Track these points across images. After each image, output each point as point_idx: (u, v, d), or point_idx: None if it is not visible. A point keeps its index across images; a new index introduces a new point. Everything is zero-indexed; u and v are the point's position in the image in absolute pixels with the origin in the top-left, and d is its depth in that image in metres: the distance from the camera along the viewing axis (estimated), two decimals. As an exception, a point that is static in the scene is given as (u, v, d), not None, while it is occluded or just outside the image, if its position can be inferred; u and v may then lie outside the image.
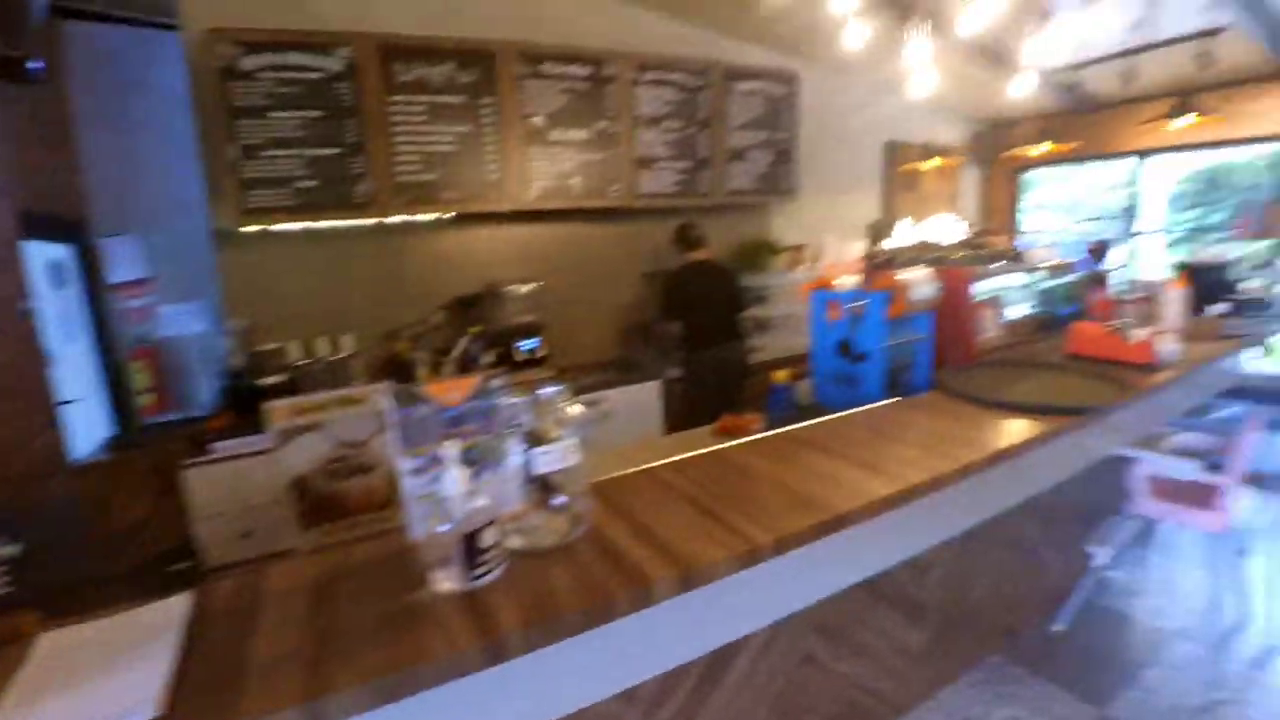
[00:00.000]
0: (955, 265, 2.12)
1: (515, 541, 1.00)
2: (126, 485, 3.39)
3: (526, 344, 3.48)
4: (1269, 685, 2.13)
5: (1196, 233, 5.05)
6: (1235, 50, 3.81)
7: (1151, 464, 2.19)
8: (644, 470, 1.30)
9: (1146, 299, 2.92)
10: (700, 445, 1.49)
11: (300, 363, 3.07)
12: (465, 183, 3.15)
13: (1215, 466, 2.27)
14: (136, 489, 3.36)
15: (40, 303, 3.30)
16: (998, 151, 5.81)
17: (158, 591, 0.93)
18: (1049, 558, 2.50)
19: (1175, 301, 2.53)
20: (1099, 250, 3.34)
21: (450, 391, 0.99)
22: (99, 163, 4.43)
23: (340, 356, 3.15)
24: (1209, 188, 5.46)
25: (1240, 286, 3.01)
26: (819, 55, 4.31)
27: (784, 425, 1.71)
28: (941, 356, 2.05)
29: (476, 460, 0.99)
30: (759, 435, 1.58)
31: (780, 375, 1.80)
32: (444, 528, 0.92)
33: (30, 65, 2.40)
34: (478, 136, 3.16)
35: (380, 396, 1.12)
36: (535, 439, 0.95)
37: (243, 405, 2.88)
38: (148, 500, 3.33)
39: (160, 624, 0.86)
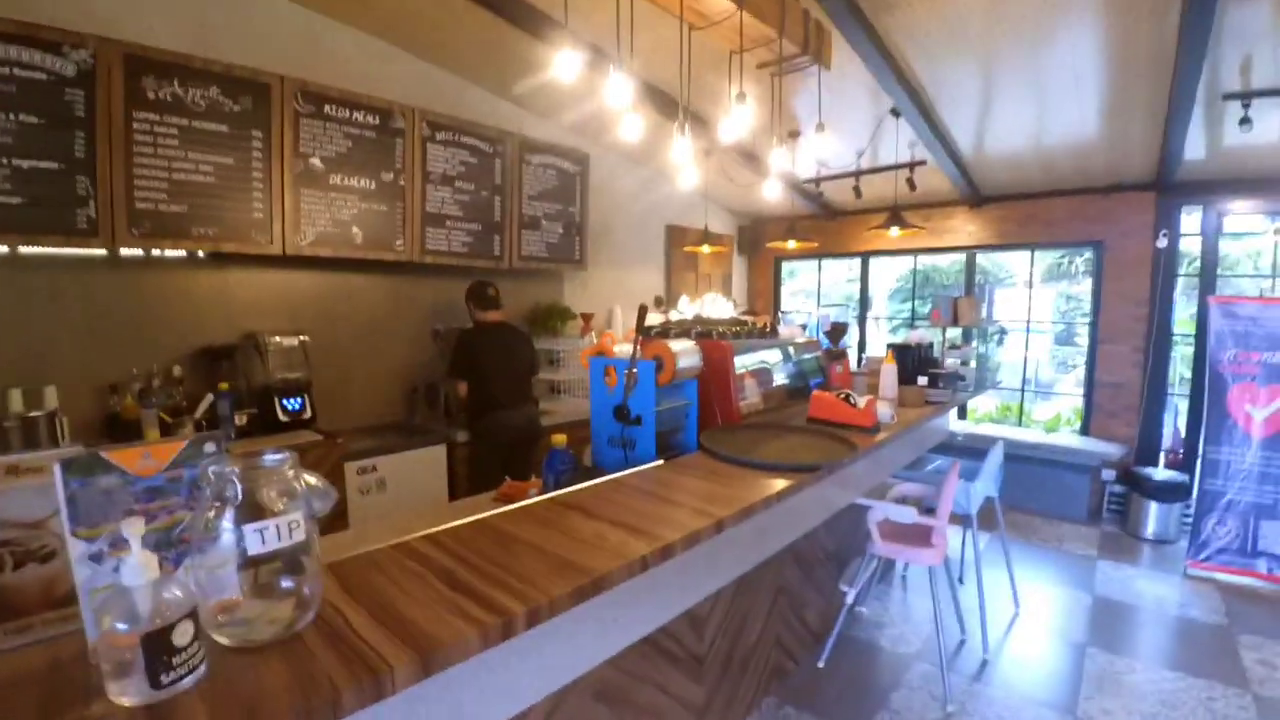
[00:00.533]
0: (719, 339, 2.35)
1: (223, 637, 0.85)
2: None
3: (291, 402, 3.11)
4: (987, 695, 2.54)
5: (909, 320, 6.21)
6: (932, 179, 4.86)
7: (881, 510, 2.56)
8: (395, 545, 1.20)
9: (869, 373, 3.49)
10: (479, 512, 1.43)
11: (-13, 419, 2.42)
12: (224, 219, 2.81)
13: (929, 510, 2.75)
14: None
15: None
16: (759, 243, 6.68)
17: None
18: (810, 598, 2.78)
19: (889, 374, 3.06)
20: (836, 331, 3.93)
21: (143, 458, 0.83)
22: None
23: (39, 414, 2.53)
24: (920, 284, 6.82)
25: (943, 363, 3.74)
26: (608, 140, 4.66)
27: (562, 488, 1.71)
28: (708, 420, 2.24)
29: (175, 542, 0.83)
30: (529, 501, 1.56)
31: (559, 439, 1.81)
32: (123, 626, 0.75)
33: None
34: (243, 171, 2.85)
35: (56, 463, 0.91)
36: (254, 513, 0.83)
37: None
38: None
39: None
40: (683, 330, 2.45)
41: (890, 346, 3.35)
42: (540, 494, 1.88)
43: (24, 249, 2.49)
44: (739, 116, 2.48)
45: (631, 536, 1.29)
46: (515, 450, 3.38)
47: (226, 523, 0.82)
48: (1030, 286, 5.58)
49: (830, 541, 2.92)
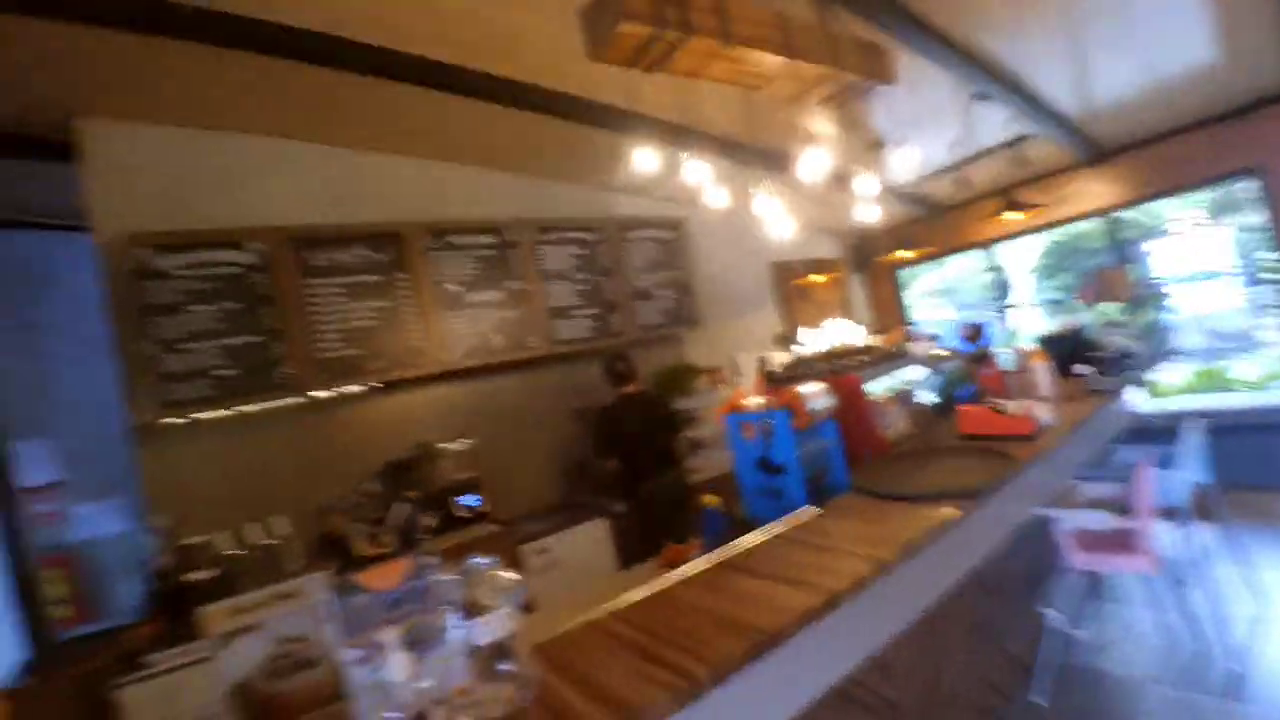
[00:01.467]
0: (844, 372, 2.36)
1: (466, 717, 1.01)
2: (51, 712, 3.01)
3: (467, 500, 3.46)
4: (1249, 715, 2.21)
5: (1060, 300, 5.69)
6: (1042, 149, 4.56)
7: (1069, 520, 2.34)
8: (586, 623, 1.34)
9: (1019, 373, 3.27)
10: (649, 579, 1.54)
11: (231, 553, 2.93)
12: (388, 352, 3.26)
13: (1125, 511, 2.46)
14: (63, 715, 2.99)
15: None
16: (870, 258, 6.50)
17: None
18: (1011, 628, 2.57)
19: (1040, 372, 2.86)
20: (973, 332, 3.74)
21: (384, 577, 1.03)
22: (7, 369, 4.32)
23: (273, 541, 3.03)
24: (1063, 257, 6.25)
25: (1105, 344, 3.41)
26: (699, 202, 4.86)
27: (720, 545, 1.79)
28: (855, 455, 2.22)
29: (417, 641, 1.01)
30: (695, 565, 1.65)
31: (710, 500, 1.90)
32: (392, 716, 0.93)
33: None
34: (396, 309, 3.31)
35: (317, 588, 1.14)
36: (472, 611, 1.00)
37: (172, 607, 2.71)
38: (73, 731, 2.95)
39: None
40: (813, 369, 2.49)
41: (1038, 340, 3.13)
42: (701, 553, 1.97)
43: (245, 408, 3.05)
44: (813, 160, 2.54)
45: (797, 590, 1.34)
46: (672, 514, 3.49)
47: (453, 621, 0.99)
48: (1195, 229, 4.91)
49: (1019, 562, 2.71)
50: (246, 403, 2.96)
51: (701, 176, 2.23)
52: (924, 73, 3.34)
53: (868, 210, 3.30)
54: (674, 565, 2.11)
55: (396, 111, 3.30)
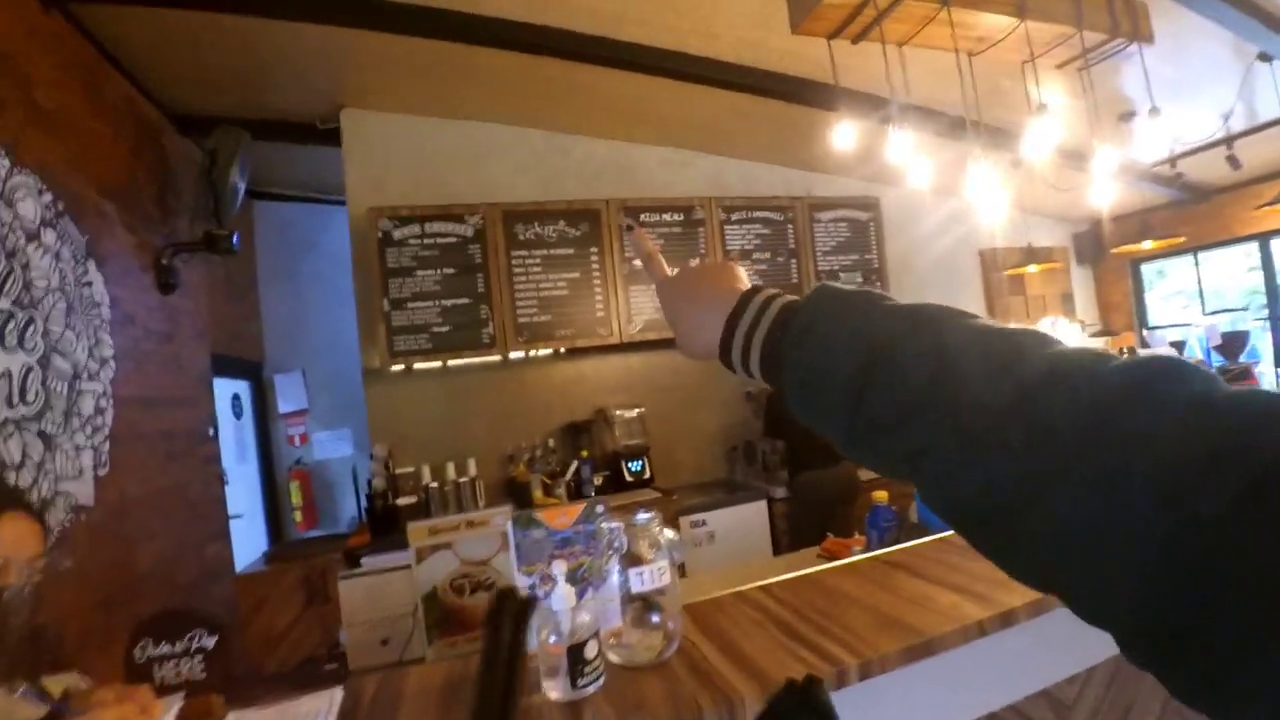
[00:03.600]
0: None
1: (614, 656, 1.11)
2: (279, 593, 3.77)
3: (634, 465, 3.65)
4: None
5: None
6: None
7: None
8: (735, 593, 1.37)
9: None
10: (803, 567, 1.53)
11: (431, 485, 3.39)
12: (575, 321, 3.52)
13: None
14: (287, 597, 3.74)
15: (222, 429, 3.95)
16: (1102, 249, 5.61)
17: (313, 686, 1.11)
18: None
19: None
20: (1232, 343, 3.12)
21: (560, 517, 1.15)
22: (275, 312, 5.33)
23: (465, 479, 3.45)
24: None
25: None
26: (899, 178, 4.54)
27: (886, 546, 1.72)
28: None
29: (581, 579, 1.12)
30: (855, 558, 1.61)
31: (880, 495, 1.81)
32: (553, 640, 1.05)
33: (234, 241, 3.13)
34: (586, 281, 3.55)
35: (500, 520, 1.30)
36: (632, 561, 1.08)
37: (383, 522, 3.22)
38: (296, 607, 3.69)
39: (320, 712, 1.03)
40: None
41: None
42: (864, 551, 1.90)
43: (452, 362, 3.48)
44: (1043, 130, 2.26)
45: (965, 599, 1.25)
46: (835, 507, 3.39)
47: (614, 567, 1.08)
48: None
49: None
50: (456, 357, 3.38)
51: (904, 151, 2.09)
52: (1193, 30, 2.79)
53: (1104, 191, 2.87)
54: (833, 558, 2.06)
55: (596, 95, 3.49)
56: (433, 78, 3.30)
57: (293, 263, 5.21)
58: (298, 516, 4.98)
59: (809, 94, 3.34)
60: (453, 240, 3.38)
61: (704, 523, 3.45)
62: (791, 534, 3.47)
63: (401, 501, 3.38)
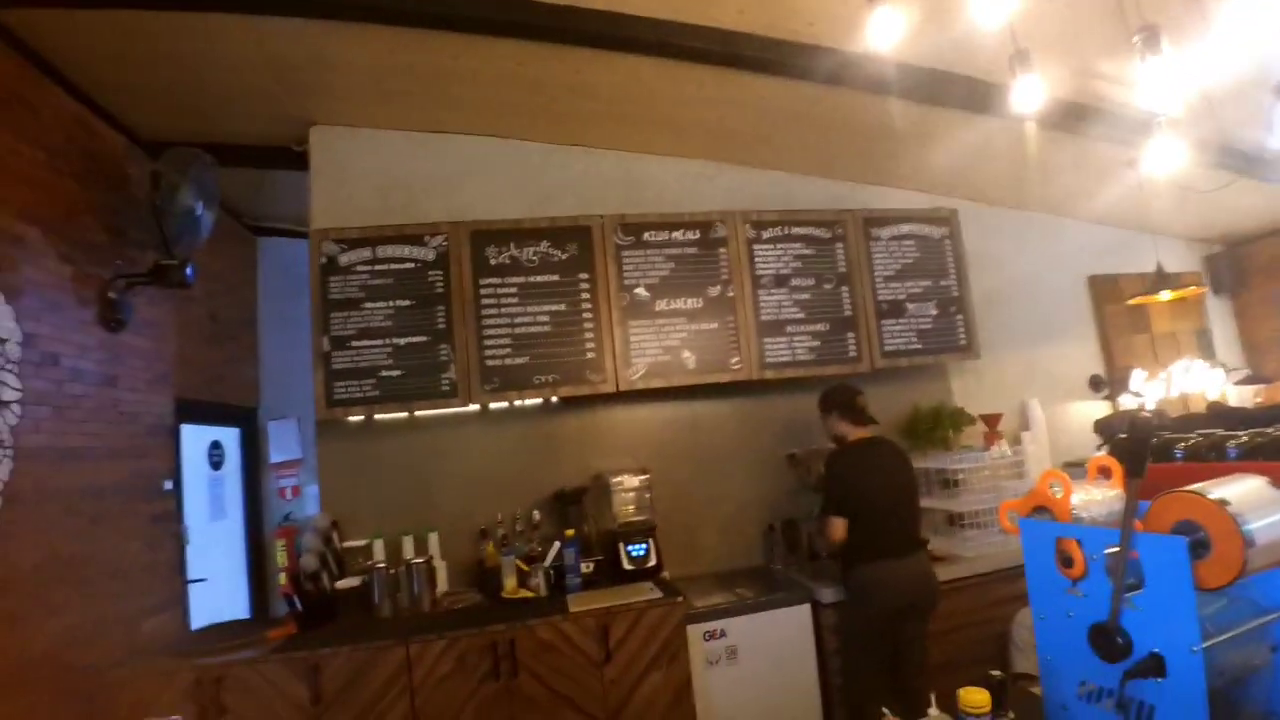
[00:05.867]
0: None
1: None
2: (163, 701, 2.99)
3: (635, 549, 2.82)
4: None
5: None
6: None
7: None
8: None
9: None
10: None
11: (379, 565, 2.67)
12: (560, 365, 2.79)
13: None
14: (175, 708, 2.96)
15: (193, 483, 3.36)
16: (1244, 275, 4.46)
17: None
18: None
19: None
20: None
21: None
22: (275, 354, 4.86)
23: (420, 561, 2.71)
24: None
25: None
26: (979, 188, 3.65)
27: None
28: None
29: None
30: None
31: (976, 699, 0.91)
32: None
33: (186, 273, 2.65)
34: (574, 315, 2.83)
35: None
36: None
37: (315, 611, 2.53)
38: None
39: None
40: (1198, 441, 1.32)
41: None
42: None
43: (421, 412, 2.79)
44: (1160, 71, 1.40)
45: None
46: (906, 620, 2.42)
47: None
48: None
49: None
50: (407, 408, 2.70)
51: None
52: None
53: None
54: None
55: (596, 97, 2.87)
56: (409, 87, 2.82)
57: (296, 303, 4.79)
58: (283, 579, 4.38)
59: (843, 74, 2.55)
60: (409, 266, 2.75)
61: (722, 633, 2.55)
62: (848, 653, 2.53)
63: (342, 584, 2.69)
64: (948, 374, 3.55)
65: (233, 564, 4.31)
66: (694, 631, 2.51)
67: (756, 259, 3.05)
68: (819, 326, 3.08)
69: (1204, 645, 0.87)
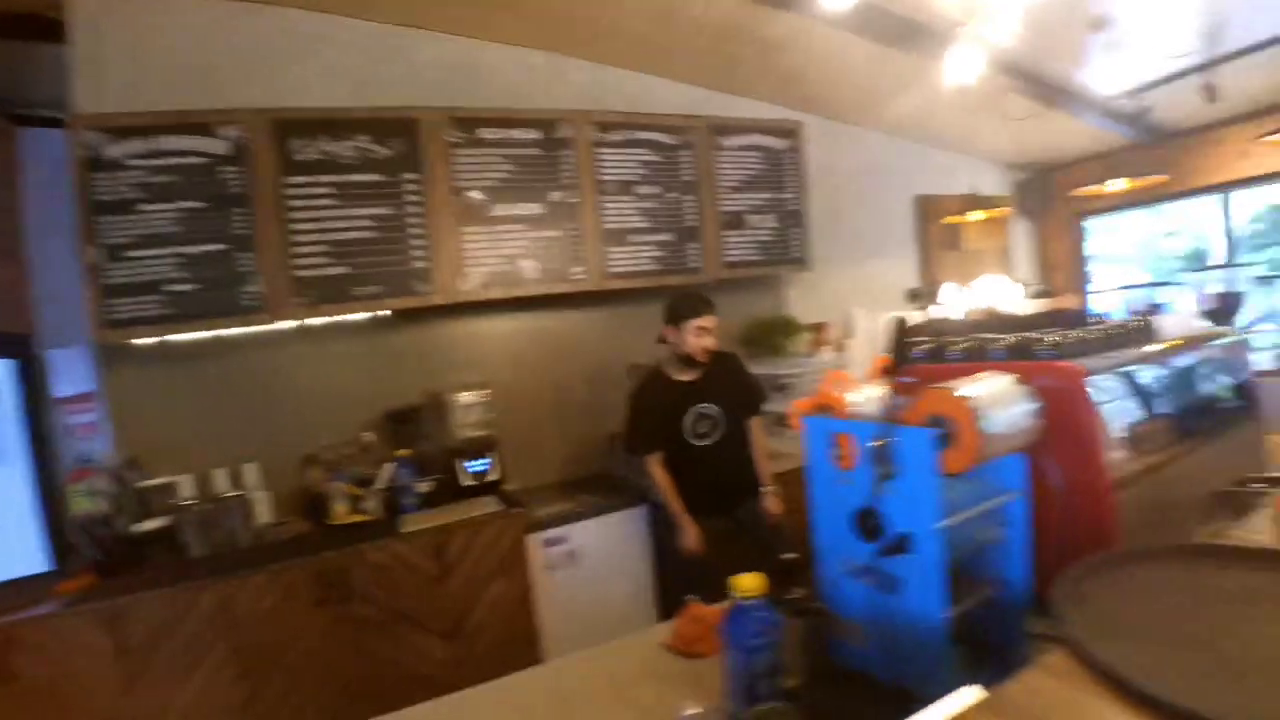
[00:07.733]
0: (1052, 355, 1.28)
1: None
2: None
3: (476, 465, 2.75)
4: None
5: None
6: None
7: None
8: None
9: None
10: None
11: (190, 501, 2.42)
12: (385, 275, 2.55)
13: None
14: None
15: None
16: (1049, 199, 5.00)
17: None
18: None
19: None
20: (1225, 307, 2.48)
21: None
22: (56, 272, 4.06)
23: (236, 494, 2.48)
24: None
25: None
26: (825, 103, 3.71)
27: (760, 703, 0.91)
28: (1056, 533, 1.12)
29: None
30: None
31: (747, 583, 0.97)
32: None
33: None
34: (399, 219, 2.57)
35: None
36: None
37: (117, 559, 2.27)
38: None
39: None
40: (967, 346, 1.45)
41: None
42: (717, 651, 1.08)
43: (223, 332, 2.46)
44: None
45: None
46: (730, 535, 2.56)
47: None
48: None
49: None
50: (203, 326, 2.37)
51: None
52: None
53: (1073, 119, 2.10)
54: (689, 648, 1.26)
55: None
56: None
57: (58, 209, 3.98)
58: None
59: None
60: (197, 161, 2.33)
61: (563, 540, 2.60)
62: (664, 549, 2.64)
63: (146, 526, 2.40)
64: (782, 284, 3.70)
65: (18, 515, 3.75)
66: (536, 540, 2.54)
67: (602, 163, 2.92)
68: (663, 236, 3.05)
69: (944, 524, 0.96)
